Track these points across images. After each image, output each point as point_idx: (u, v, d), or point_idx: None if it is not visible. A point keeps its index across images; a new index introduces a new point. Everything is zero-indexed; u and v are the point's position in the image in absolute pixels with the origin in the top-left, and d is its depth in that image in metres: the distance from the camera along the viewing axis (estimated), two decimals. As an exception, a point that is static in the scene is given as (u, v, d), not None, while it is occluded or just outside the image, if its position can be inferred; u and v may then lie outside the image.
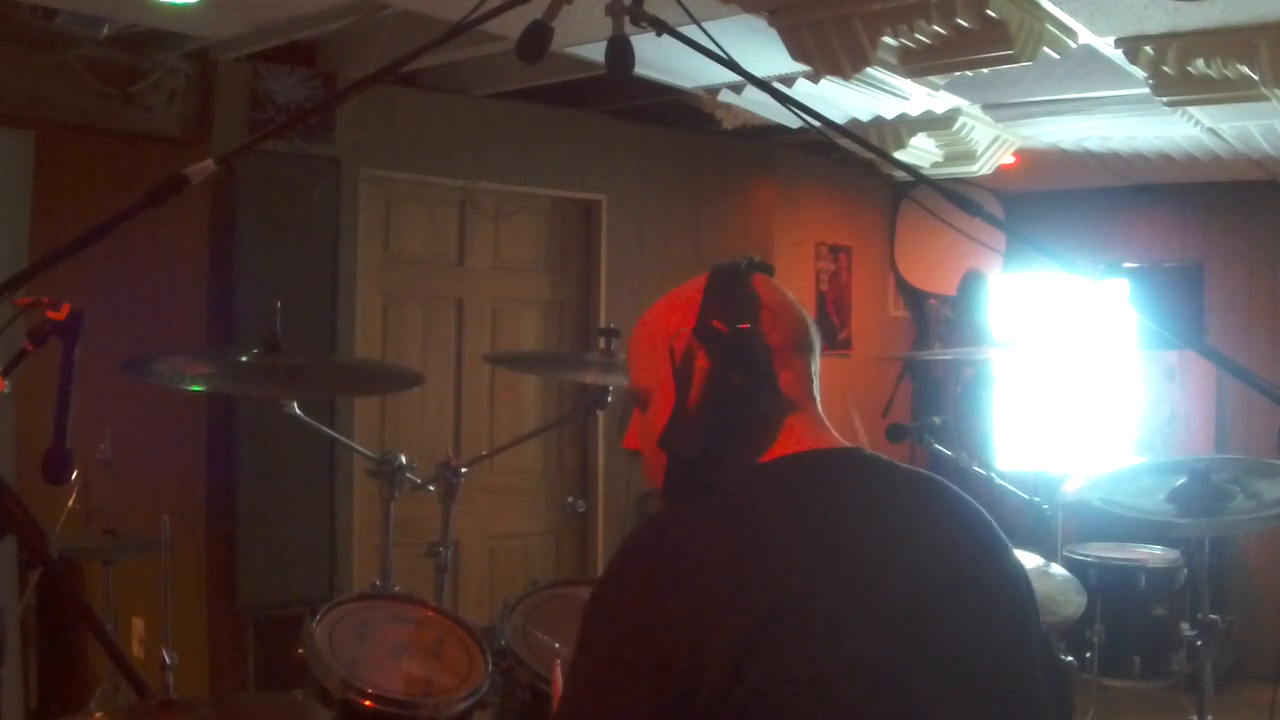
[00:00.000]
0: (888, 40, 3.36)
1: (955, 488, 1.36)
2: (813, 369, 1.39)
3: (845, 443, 1.35)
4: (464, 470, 2.90)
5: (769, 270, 1.41)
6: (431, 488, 2.90)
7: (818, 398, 1.38)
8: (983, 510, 1.35)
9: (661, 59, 3.78)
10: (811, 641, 1.12)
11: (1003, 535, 1.36)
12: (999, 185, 6.25)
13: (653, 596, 1.15)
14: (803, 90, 3.93)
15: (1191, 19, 3.21)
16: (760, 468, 1.30)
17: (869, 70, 3.54)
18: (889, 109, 4.36)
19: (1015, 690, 1.24)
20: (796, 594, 1.13)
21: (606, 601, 1.20)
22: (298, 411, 2.76)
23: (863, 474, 1.31)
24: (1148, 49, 3.42)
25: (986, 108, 4.54)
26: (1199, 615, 3.37)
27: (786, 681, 1.09)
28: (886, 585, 1.19)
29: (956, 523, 1.32)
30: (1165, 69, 3.50)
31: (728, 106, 4.54)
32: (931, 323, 6.58)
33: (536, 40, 1.81)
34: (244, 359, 2.75)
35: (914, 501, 1.31)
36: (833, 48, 3.37)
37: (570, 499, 3.29)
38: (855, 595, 1.17)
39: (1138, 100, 4.08)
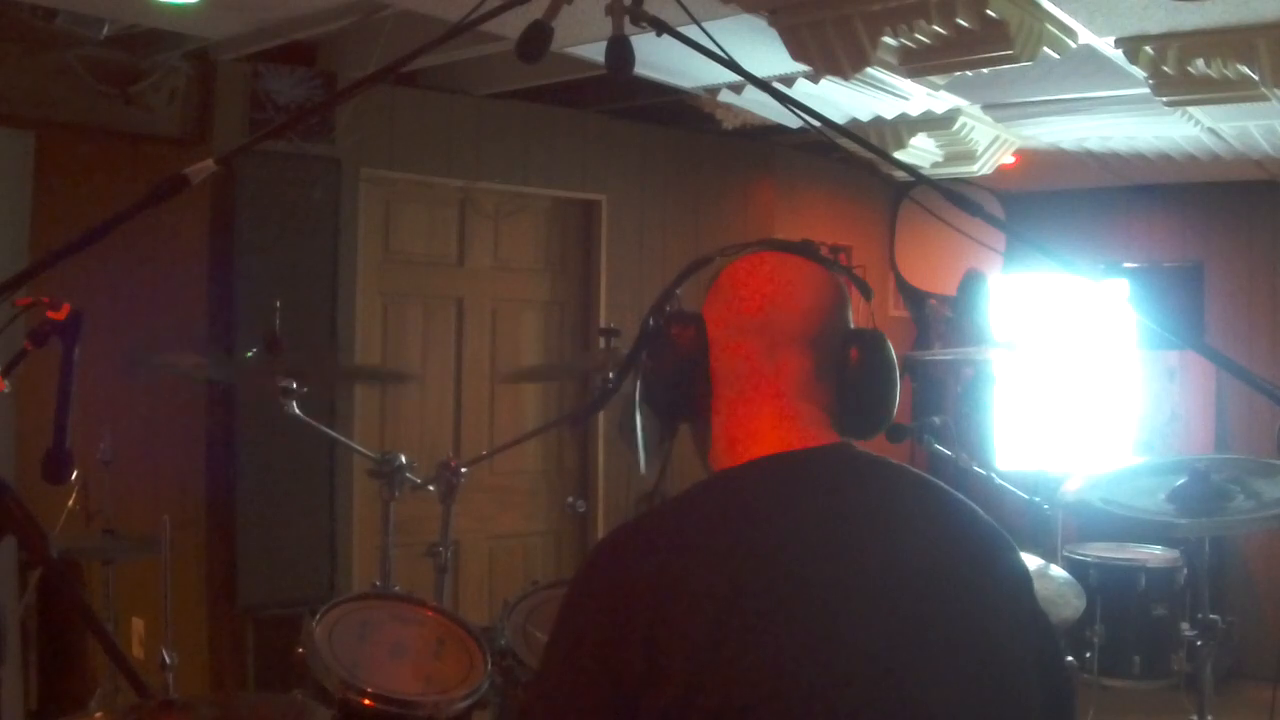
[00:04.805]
0: (888, 40, 3.36)
1: (949, 488, 1.32)
2: (789, 358, 1.31)
3: (830, 439, 1.30)
4: (464, 470, 2.90)
5: (784, 247, 1.38)
6: (431, 488, 2.91)
7: (808, 391, 1.31)
8: (979, 510, 1.32)
9: (661, 59, 3.78)
10: (781, 650, 1.09)
11: (1004, 535, 1.32)
12: (999, 185, 6.25)
13: (609, 606, 1.14)
14: (803, 90, 3.93)
15: (1191, 19, 3.21)
16: (730, 472, 1.27)
17: (869, 70, 3.54)
18: (889, 109, 4.36)
19: (1009, 694, 1.21)
20: (761, 601, 1.11)
21: (567, 609, 1.20)
22: (298, 411, 2.76)
23: (846, 474, 1.27)
24: (1148, 49, 3.42)
25: (986, 108, 4.53)
26: (1199, 615, 3.36)
27: (751, 697, 1.07)
28: (870, 587, 1.16)
29: (949, 523, 1.28)
30: (1165, 69, 3.50)
31: (728, 106, 4.53)
32: (931, 323, 6.58)
33: (536, 40, 1.81)
34: (244, 359, 2.75)
35: (903, 501, 1.27)
36: (833, 48, 3.36)
37: (570, 499, 3.29)
38: (834, 599, 1.14)
39: (1138, 100, 4.08)
